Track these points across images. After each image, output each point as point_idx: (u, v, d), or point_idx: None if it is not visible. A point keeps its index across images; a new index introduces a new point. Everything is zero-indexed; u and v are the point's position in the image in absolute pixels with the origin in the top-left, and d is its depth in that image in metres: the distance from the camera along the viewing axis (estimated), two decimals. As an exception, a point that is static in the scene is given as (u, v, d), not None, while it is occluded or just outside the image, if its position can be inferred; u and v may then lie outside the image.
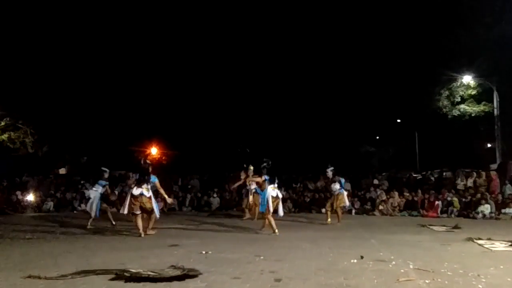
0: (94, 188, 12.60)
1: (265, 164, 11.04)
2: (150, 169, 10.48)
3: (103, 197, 12.54)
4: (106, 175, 12.72)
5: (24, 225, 12.78)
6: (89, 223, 12.06)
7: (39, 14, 24.52)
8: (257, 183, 11.42)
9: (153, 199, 10.26)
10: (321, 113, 31.78)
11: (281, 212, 10.95)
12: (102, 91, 27.44)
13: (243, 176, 14.77)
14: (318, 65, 29.87)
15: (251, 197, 13.93)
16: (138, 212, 10.06)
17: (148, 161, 10.86)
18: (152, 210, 10.23)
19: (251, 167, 14.62)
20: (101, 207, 12.26)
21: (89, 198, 12.63)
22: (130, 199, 10.09)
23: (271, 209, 10.41)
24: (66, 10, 25.79)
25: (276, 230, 10.35)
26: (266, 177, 10.83)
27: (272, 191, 10.59)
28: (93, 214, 12.17)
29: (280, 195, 10.93)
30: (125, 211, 10.27)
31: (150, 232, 10.27)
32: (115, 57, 27.37)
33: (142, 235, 9.96)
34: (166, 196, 11.06)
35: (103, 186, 12.44)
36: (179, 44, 29.67)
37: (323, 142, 32.70)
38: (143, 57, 28.66)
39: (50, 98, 25.08)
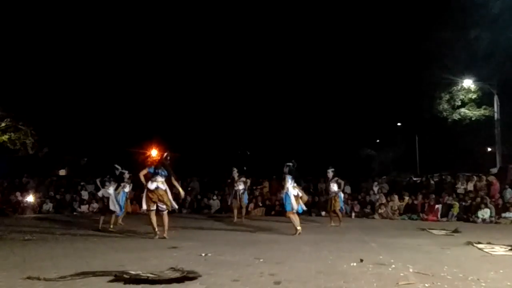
0: (105, 188, 12.42)
1: (290, 164, 11.03)
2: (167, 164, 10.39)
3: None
4: (117, 173, 12.65)
5: (24, 226, 12.77)
6: (111, 224, 11.98)
7: (39, 14, 24.55)
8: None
9: (168, 193, 10.13)
10: (322, 116, 31.82)
11: (301, 208, 11.05)
12: (102, 93, 27.48)
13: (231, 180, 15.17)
14: (319, 68, 29.97)
15: (237, 199, 14.40)
16: (153, 208, 9.99)
17: (169, 158, 10.68)
18: (167, 206, 10.07)
19: (235, 169, 15.06)
20: (125, 206, 12.33)
21: (106, 197, 12.35)
22: (147, 194, 10.02)
23: (295, 208, 10.61)
24: (66, 10, 25.86)
25: (299, 228, 10.62)
26: (289, 177, 10.85)
27: (293, 190, 10.71)
28: (118, 212, 12.15)
29: (300, 194, 10.94)
30: (144, 207, 10.18)
31: (165, 235, 9.91)
32: (116, 58, 27.43)
33: (157, 234, 9.85)
34: (179, 189, 10.69)
35: (112, 183, 12.31)
36: (180, 46, 29.74)
37: (323, 145, 32.69)
38: (144, 59, 28.72)
39: (51, 99, 25.10)
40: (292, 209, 10.60)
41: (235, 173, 14.94)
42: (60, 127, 26.22)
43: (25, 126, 23.23)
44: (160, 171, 10.10)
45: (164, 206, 10.04)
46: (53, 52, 25.21)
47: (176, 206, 10.45)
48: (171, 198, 10.18)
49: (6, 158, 24.57)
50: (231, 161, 27.39)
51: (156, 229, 9.93)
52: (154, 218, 9.99)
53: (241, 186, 14.56)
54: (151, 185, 10.00)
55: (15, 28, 23.63)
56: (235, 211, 14.52)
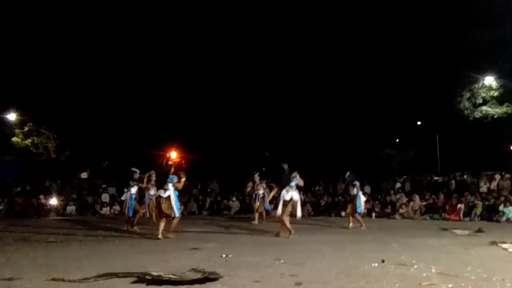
0: (125, 190, 12.84)
1: (282, 169, 11.07)
2: (172, 170, 10.54)
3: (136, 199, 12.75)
4: (136, 176, 12.76)
5: (47, 229, 13.00)
6: (126, 226, 12.33)
7: (60, 22, 24.91)
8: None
9: (172, 199, 10.22)
10: (341, 116, 31.64)
11: (299, 214, 10.89)
12: (123, 96, 27.79)
13: (250, 184, 15.18)
14: (338, 68, 29.73)
15: (257, 203, 14.48)
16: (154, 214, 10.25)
17: (169, 163, 10.92)
18: (170, 213, 10.25)
19: (257, 173, 15.27)
20: (134, 207, 12.38)
21: (123, 200, 12.98)
22: (150, 201, 10.26)
23: (280, 212, 10.50)
24: (86, 17, 26.20)
25: (292, 231, 10.46)
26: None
27: (286, 194, 10.53)
28: (126, 214, 12.47)
29: (296, 198, 10.66)
30: (147, 214, 10.44)
31: (170, 235, 10.30)
32: (137, 63, 27.69)
33: (159, 237, 10.08)
34: (182, 179, 10.76)
35: (134, 187, 12.54)
36: (199, 49, 29.87)
37: (343, 145, 32.51)
38: (164, 63, 28.94)
39: (72, 103, 25.49)
40: (282, 213, 10.47)
41: (257, 177, 15.08)
42: (81, 130, 26.60)
43: (48, 130, 23.66)
44: (168, 179, 10.36)
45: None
46: (74, 57, 25.60)
47: (178, 215, 10.38)
48: (175, 206, 10.25)
49: (29, 162, 25.03)
50: (250, 162, 27.42)
51: (159, 232, 10.19)
52: (161, 224, 10.32)
53: (261, 191, 14.61)
54: (155, 192, 10.57)
55: (38, 34, 24.05)
56: (256, 214, 14.53)
